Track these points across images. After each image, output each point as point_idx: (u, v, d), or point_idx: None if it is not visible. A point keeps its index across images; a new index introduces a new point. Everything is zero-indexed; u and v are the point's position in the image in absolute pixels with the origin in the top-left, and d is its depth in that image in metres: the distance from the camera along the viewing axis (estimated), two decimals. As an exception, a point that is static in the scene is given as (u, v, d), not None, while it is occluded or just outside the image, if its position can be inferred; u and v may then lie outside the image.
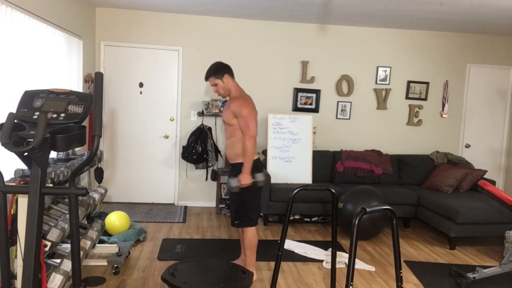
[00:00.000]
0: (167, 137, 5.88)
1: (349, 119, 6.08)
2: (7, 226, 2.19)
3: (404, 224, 5.44)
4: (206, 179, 5.93)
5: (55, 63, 4.26)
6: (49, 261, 2.84)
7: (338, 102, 6.03)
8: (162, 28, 5.71)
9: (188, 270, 2.81)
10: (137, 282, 3.47)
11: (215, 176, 5.78)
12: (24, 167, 2.97)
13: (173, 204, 5.97)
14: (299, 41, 5.91)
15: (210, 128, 5.78)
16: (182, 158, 5.78)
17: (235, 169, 3.46)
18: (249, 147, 3.30)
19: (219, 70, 3.41)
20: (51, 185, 2.70)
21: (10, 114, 2.10)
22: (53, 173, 2.74)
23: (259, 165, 3.47)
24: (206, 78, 3.47)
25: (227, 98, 3.53)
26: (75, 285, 2.26)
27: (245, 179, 3.30)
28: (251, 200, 3.45)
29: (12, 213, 2.43)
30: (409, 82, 6.11)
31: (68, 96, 2.25)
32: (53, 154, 3.15)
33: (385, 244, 4.71)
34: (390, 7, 4.76)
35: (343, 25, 5.91)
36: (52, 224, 2.70)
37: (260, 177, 3.36)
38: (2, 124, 2.09)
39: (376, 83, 6.08)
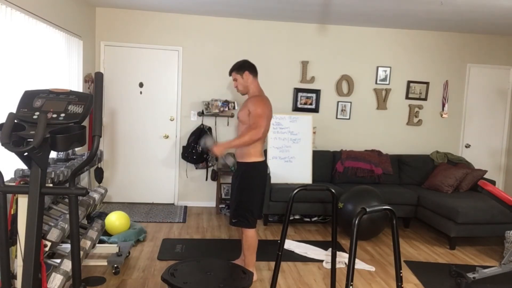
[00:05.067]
0: (167, 137, 5.88)
1: (349, 119, 6.08)
2: (7, 226, 2.19)
3: (404, 224, 5.44)
4: (206, 179, 5.93)
5: (55, 63, 4.26)
6: (49, 261, 2.84)
7: (338, 102, 6.03)
8: (162, 28, 5.71)
9: (188, 270, 2.81)
10: (137, 282, 3.47)
11: (215, 176, 5.78)
12: (24, 167, 2.97)
13: (173, 204, 5.97)
14: (299, 41, 5.91)
15: (210, 128, 5.78)
16: (182, 158, 5.78)
17: (241, 168, 3.45)
18: (247, 137, 3.27)
19: (241, 67, 3.50)
20: (51, 185, 2.70)
21: (10, 114, 2.10)
22: (53, 173, 2.74)
23: (259, 166, 3.45)
24: (230, 73, 3.56)
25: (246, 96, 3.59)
26: (75, 285, 2.26)
27: (217, 149, 3.34)
28: (249, 201, 3.44)
29: (12, 213, 2.43)
30: (409, 82, 6.11)
31: (68, 96, 2.25)
32: (53, 154, 3.15)
33: (385, 244, 4.71)
34: (390, 7, 4.76)
35: (343, 25, 5.90)
36: (52, 224, 2.70)
37: (229, 160, 3.45)
38: (2, 124, 2.09)
39: (376, 83, 6.08)
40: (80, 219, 3.13)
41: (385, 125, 6.15)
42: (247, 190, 3.39)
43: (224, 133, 5.88)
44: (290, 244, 4.49)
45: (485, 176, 5.62)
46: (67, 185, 2.23)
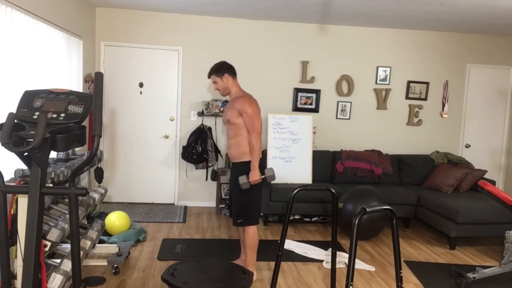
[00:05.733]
0: (167, 137, 5.88)
1: (349, 119, 6.08)
2: (7, 226, 2.19)
3: (404, 224, 5.44)
4: (206, 179, 5.93)
5: (55, 63, 4.26)
6: (49, 261, 2.84)
7: (338, 102, 6.03)
8: (162, 28, 5.71)
9: (188, 270, 2.81)
10: (137, 282, 3.47)
11: (215, 176, 5.78)
12: (24, 167, 2.97)
13: (173, 204, 5.97)
14: (299, 41, 5.91)
15: (210, 128, 5.78)
16: (182, 158, 5.78)
17: (238, 168, 3.46)
18: (256, 145, 3.36)
19: (220, 69, 3.53)
20: (51, 185, 2.70)
21: (10, 114, 2.10)
22: (53, 173, 2.74)
23: (262, 163, 3.50)
24: (209, 76, 3.60)
25: (228, 97, 3.62)
26: (75, 285, 2.26)
27: (254, 175, 3.35)
28: (254, 199, 3.48)
29: (12, 213, 2.43)
30: (409, 82, 6.11)
31: (68, 96, 2.25)
32: (53, 154, 3.15)
33: (385, 244, 4.71)
34: (390, 7, 4.76)
35: (343, 25, 5.91)
36: (52, 224, 2.70)
37: (269, 172, 3.41)
38: (2, 124, 2.09)
39: (376, 83, 6.08)
40: (80, 219, 3.13)
41: (385, 125, 6.16)
42: (248, 189, 3.40)
43: (224, 133, 5.88)
44: (290, 244, 4.49)
45: (485, 176, 5.63)
46: (67, 185, 2.23)
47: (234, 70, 3.57)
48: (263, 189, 4.95)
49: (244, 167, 3.42)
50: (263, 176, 3.40)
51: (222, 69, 3.51)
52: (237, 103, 3.42)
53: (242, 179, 3.37)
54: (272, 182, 5.12)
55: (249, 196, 3.45)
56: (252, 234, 3.48)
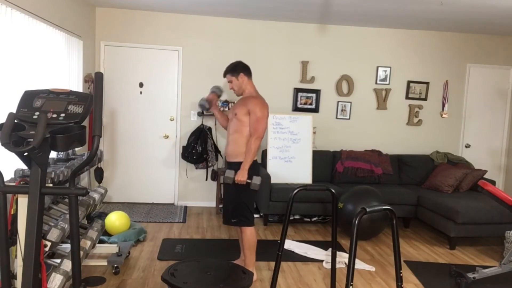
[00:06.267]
0: (167, 137, 5.88)
1: (349, 119, 6.08)
2: (7, 226, 2.19)
3: (404, 224, 5.44)
4: (206, 179, 5.93)
5: (55, 63, 4.26)
6: (49, 261, 2.84)
7: (338, 102, 6.03)
8: (162, 28, 5.72)
9: (188, 270, 2.81)
10: (137, 282, 3.47)
11: (215, 176, 5.78)
12: (24, 167, 2.97)
13: (173, 204, 5.97)
14: (299, 41, 5.91)
15: (210, 128, 5.78)
16: (182, 158, 5.78)
17: (233, 168, 3.46)
18: (254, 147, 3.36)
19: (236, 69, 3.55)
20: (51, 185, 2.70)
21: (10, 114, 2.10)
22: (53, 173, 2.74)
23: (257, 167, 3.50)
24: (224, 75, 3.61)
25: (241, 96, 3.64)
26: (75, 285, 2.26)
27: (241, 175, 3.34)
28: (248, 200, 3.47)
29: (12, 213, 2.43)
30: (409, 82, 6.11)
31: (68, 96, 2.25)
32: (53, 154, 3.15)
33: (385, 244, 4.71)
34: (390, 7, 4.76)
35: (343, 25, 5.91)
36: (52, 224, 2.70)
37: (256, 180, 3.34)
38: (2, 124, 2.09)
39: (376, 83, 6.08)
40: (80, 219, 3.13)
41: (385, 125, 6.16)
42: (245, 189, 3.39)
43: (224, 133, 5.88)
44: (290, 244, 4.49)
45: (485, 176, 5.63)
46: (67, 185, 2.23)
47: (250, 70, 3.59)
48: (263, 190, 4.96)
49: (239, 168, 3.41)
50: (248, 181, 3.35)
51: (238, 69, 3.53)
52: (250, 102, 3.43)
53: (229, 173, 3.37)
54: (272, 182, 5.16)
55: (246, 197, 3.45)
56: (250, 235, 3.48)
